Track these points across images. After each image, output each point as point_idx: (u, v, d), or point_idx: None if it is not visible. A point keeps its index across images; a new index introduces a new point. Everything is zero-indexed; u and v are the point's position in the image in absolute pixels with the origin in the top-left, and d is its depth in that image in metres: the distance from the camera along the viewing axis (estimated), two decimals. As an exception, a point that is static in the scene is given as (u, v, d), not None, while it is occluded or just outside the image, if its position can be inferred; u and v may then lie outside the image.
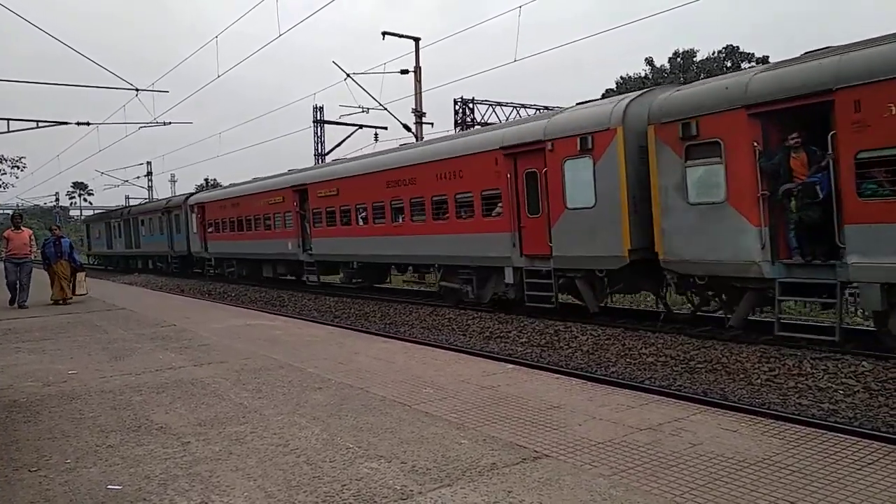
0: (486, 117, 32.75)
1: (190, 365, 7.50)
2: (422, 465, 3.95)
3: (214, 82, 34.92)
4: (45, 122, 26.33)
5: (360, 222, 18.07)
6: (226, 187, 28.84)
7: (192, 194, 32.82)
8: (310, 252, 20.56)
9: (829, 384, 7.86)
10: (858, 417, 6.92)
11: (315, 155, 35.84)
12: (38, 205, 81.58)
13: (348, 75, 25.01)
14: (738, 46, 51.19)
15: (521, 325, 12.77)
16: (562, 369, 9.14)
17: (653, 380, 8.90)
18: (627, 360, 9.96)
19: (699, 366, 9.18)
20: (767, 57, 45.11)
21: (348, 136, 32.03)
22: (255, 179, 25.92)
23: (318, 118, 35.46)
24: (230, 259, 27.03)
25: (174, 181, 79.63)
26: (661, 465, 3.84)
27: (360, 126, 30.33)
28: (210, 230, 27.80)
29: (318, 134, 35.93)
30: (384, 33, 24.34)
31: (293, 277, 23.96)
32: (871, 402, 7.24)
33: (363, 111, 27.89)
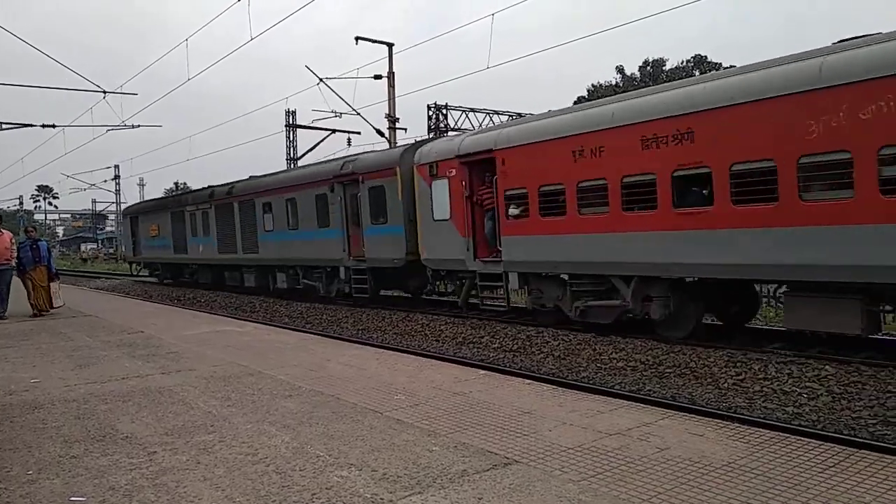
0: (459, 123, 32.87)
1: (157, 373, 7.38)
2: (392, 473, 3.94)
3: (185, 85, 34.51)
4: (9, 123, 25.79)
5: None
6: (543, 115, 12.82)
7: (422, 142, 15.71)
8: None
9: (794, 388, 8.03)
10: (821, 420, 7.07)
11: (287, 160, 35.58)
12: (0, 208, 79.68)
13: (321, 80, 24.89)
14: (706, 56, 52.25)
15: (494, 330, 12.81)
16: (533, 374, 9.19)
17: (623, 384, 8.99)
18: (598, 364, 10.05)
19: (668, 370, 9.30)
20: (733, 66, 46.01)
21: (321, 141, 31.85)
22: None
23: (291, 122, 35.22)
24: (602, 279, 11.27)
25: (143, 185, 78.46)
26: (629, 470, 3.88)
27: (334, 131, 30.20)
28: (516, 211, 12.26)
29: (291, 138, 35.69)
30: (357, 38, 24.29)
31: None
32: (833, 406, 7.41)
33: (336, 116, 27.78)
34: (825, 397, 7.64)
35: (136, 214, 33.06)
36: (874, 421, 6.79)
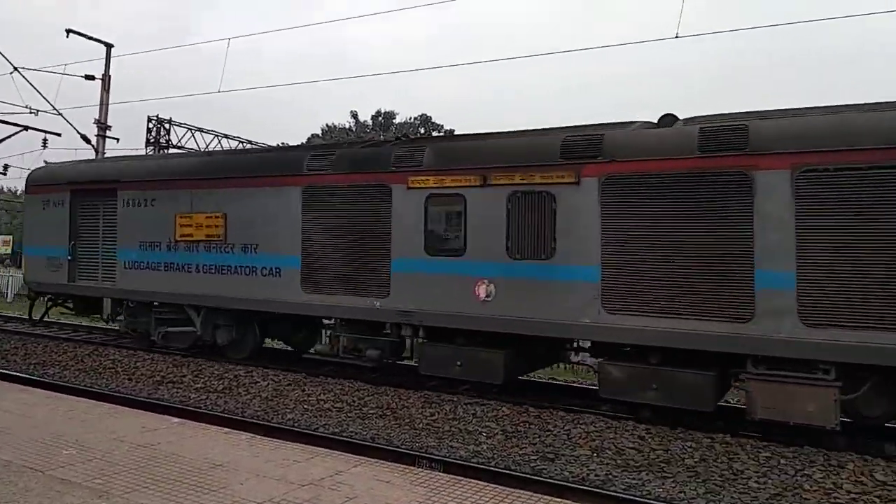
0: (183, 141, 30.69)
1: None
2: (46, 547, 3.43)
3: None
4: None
5: None
6: None
7: None
8: None
9: (476, 427, 8.96)
10: (495, 457, 7.99)
11: (-44, 153, 29.41)
12: None
13: (15, 68, 21.40)
14: (430, 116, 57.05)
15: (199, 367, 12.02)
16: (234, 418, 8.84)
17: (327, 426, 9.10)
18: (305, 406, 10.04)
19: (371, 411, 9.68)
20: (453, 130, 50.79)
21: (7, 137, 27.09)
22: None
23: (-33, 110, 29.30)
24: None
25: None
26: (316, 523, 3.94)
27: (27, 128, 25.96)
28: None
29: (-35, 129, 29.64)
30: (69, 31, 21.51)
31: None
32: (506, 443, 8.43)
33: (31, 112, 23.99)
34: (500, 436, 8.67)
35: (110, 186, 13.19)
36: (535, 457, 7.90)
